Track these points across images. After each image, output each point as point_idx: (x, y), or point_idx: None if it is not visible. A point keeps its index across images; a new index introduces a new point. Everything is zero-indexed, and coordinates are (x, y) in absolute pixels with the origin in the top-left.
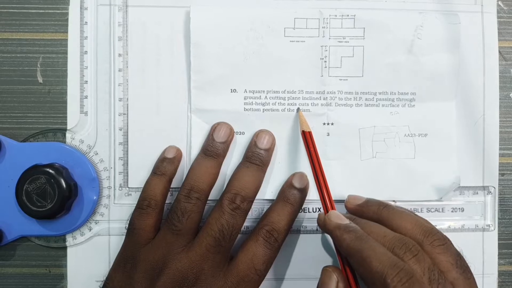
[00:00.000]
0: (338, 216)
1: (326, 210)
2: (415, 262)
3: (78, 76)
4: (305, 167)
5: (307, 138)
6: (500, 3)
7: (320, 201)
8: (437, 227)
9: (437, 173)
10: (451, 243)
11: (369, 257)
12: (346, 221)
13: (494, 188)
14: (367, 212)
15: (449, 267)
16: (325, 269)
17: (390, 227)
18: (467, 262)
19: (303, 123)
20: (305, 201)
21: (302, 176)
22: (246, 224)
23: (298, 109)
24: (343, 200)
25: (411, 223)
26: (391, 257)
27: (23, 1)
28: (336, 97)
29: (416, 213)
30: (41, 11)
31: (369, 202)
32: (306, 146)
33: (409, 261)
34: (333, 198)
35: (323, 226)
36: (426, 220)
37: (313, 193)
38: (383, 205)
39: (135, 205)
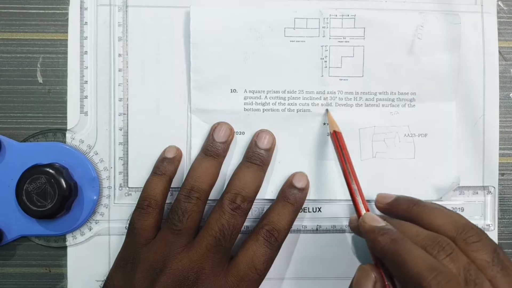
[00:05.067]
0: (373, 218)
1: (360, 212)
2: (450, 262)
3: (78, 76)
4: (305, 167)
5: (339, 138)
6: (500, 3)
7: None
8: None
9: (437, 173)
10: (488, 238)
11: (404, 260)
12: (381, 223)
13: (494, 188)
14: (397, 211)
15: (485, 265)
16: (362, 267)
17: (422, 225)
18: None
19: (333, 123)
20: (305, 201)
21: (302, 176)
22: (246, 224)
23: (326, 110)
24: (345, 200)
25: (443, 219)
26: (428, 259)
27: (23, 1)
28: (336, 97)
29: None
30: (41, 11)
31: (398, 200)
32: (336, 147)
33: (443, 261)
34: (334, 198)
35: (356, 229)
36: (460, 215)
37: (313, 193)
38: (413, 203)
39: (135, 205)
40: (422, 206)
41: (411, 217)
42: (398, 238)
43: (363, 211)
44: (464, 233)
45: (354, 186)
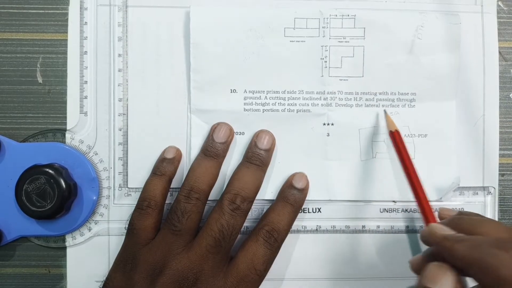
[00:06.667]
0: (442, 227)
1: (429, 220)
2: None
3: (78, 76)
4: (305, 167)
5: (397, 138)
6: (500, 3)
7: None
8: None
9: (437, 173)
10: None
11: (493, 265)
12: (452, 231)
13: (494, 188)
14: None
15: None
16: (438, 265)
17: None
18: None
19: (391, 122)
20: (305, 201)
21: (302, 176)
22: (246, 224)
23: (384, 111)
24: (345, 201)
25: (495, 228)
26: None
27: (23, 1)
28: (336, 97)
29: (416, 213)
30: (41, 11)
31: (443, 223)
32: (399, 147)
33: None
34: (334, 199)
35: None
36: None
37: (313, 194)
38: (457, 218)
39: (134, 205)
40: (467, 219)
41: (461, 231)
42: (477, 244)
43: (433, 220)
44: None
45: (422, 192)
